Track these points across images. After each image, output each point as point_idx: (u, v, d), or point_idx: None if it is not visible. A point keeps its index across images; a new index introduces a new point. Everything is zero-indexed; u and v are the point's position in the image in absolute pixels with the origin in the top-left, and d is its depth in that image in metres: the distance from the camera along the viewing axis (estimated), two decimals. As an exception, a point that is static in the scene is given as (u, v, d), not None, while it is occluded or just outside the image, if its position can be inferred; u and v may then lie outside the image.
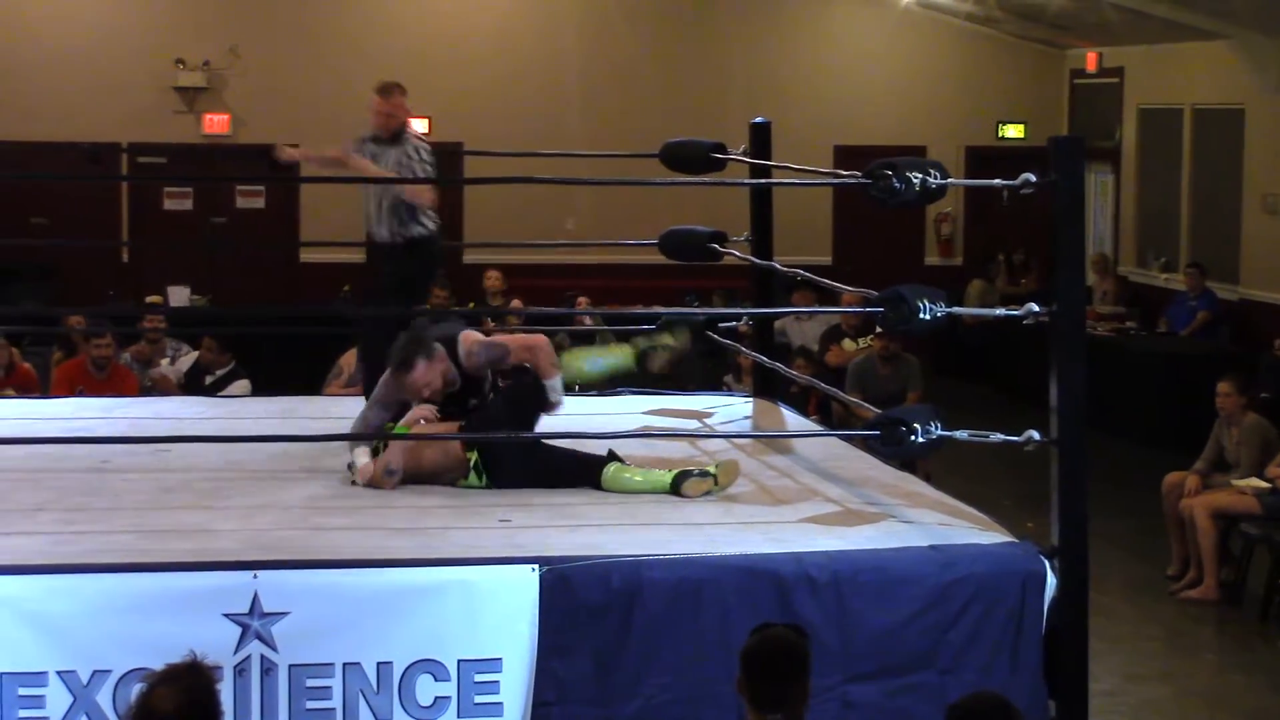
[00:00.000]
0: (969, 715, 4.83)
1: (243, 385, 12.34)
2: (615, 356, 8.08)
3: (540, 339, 7.75)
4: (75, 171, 17.85)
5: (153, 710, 4.59)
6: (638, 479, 7.39)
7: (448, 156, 20.46)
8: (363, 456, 7.37)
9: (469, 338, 7.63)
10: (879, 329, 13.00)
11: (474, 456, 7.36)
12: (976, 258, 21.56)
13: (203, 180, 20.36)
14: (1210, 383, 12.21)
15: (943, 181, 6.57)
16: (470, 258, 19.91)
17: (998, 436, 6.54)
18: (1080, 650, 6.39)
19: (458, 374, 7.57)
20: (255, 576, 5.89)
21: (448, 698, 5.97)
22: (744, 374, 12.56)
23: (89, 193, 20.00)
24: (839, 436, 8.87)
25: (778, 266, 8.79)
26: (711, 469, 7.44)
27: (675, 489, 7.34)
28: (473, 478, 7.38)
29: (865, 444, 7.72)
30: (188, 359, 12.85)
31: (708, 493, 7.31)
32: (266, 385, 8.65)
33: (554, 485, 7.39)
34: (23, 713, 5.75)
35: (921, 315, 6.48)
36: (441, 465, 7.41)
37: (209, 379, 12.49)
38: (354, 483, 7.38)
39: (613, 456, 7.51)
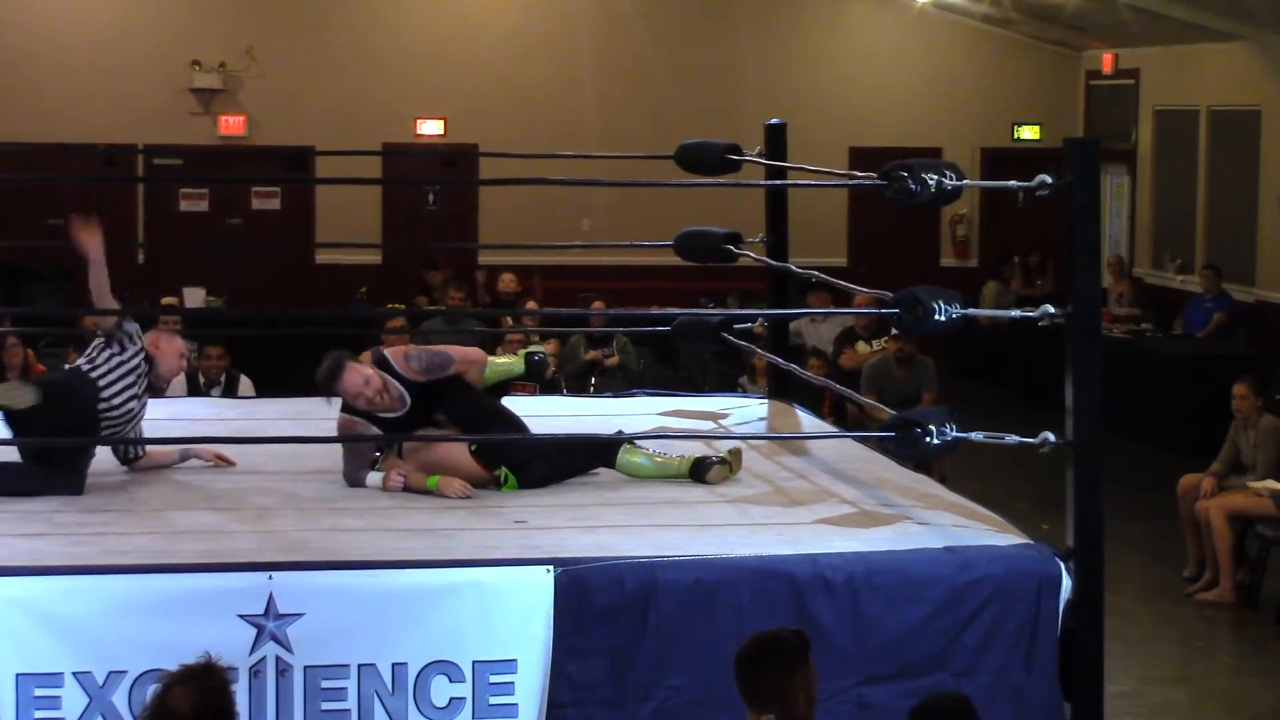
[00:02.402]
0: (930, 715, 4.85)
1: (247, 383, 12.15)
2: (507, 363, 8.05)
3: (481, 353, 7.76)
4: (91, 173, 17.87)
5: (169, 710, 4.60)
6: (648, 466, 7.50)
7: (463, 158, 20.57)
8: (374, 480, 7.36)
9: (397, 350, 7.62)
10: (894, 331, 12.99)
11: (503, 472, 7.36)
12: (992, 259, 21.55)
13: (218, 182, 20.41)
14: (1226, 385, 12.19)
15: (958, 183, 6.57)
16: (485, 259, 19.94)
17: (1013, 438, 6.53)
18: (1096, 652, 6.38)
19: (402, 388, 7.52)
20: (270, 578, 5.90)
21: (463, 699, 5.97)
22: (759, 375, 12.56)
23: (105, 194, 20.04)
24: (854, 438, 8.86)
25: (793, 268, 8.79)
26: (724, 455, 7.53)
27: (697, 476, 7.47)
28: (509, 484, 7.39)
29: (880, 445, 7.71)
30: (178, 380, 12.18)
31: (724, 478, 7.48)
32: (281, 387, 8.65)
33: (575, 473, 7.48)
34: (39, 713, 5.76)
35: (937, 317, 6.48)
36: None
37: (214, 392, 11.83)
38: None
39: (621, 436, 7.65)
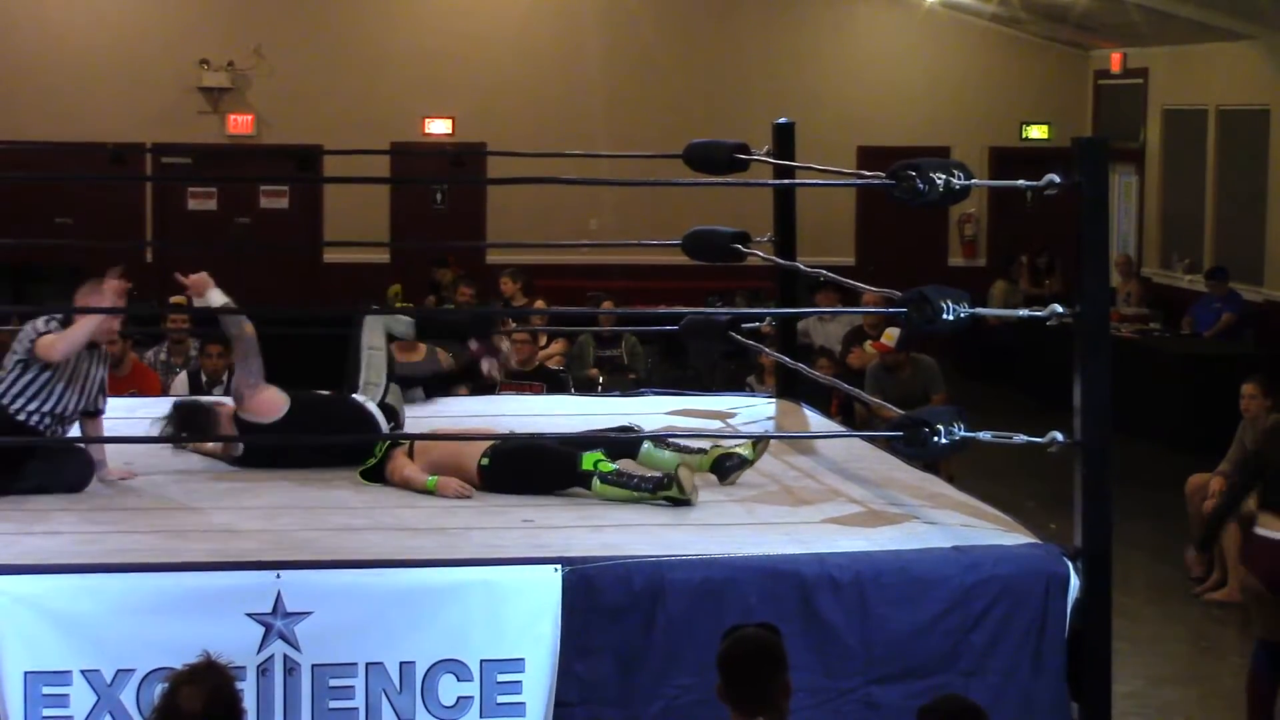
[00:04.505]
0: (939, 718, 4.85)
1: None
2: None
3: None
4: (99, 172, 17.90)
5: (179, 709, 4.60)
6: (670, 460, 7.43)
7: (471, 157, 20.58)
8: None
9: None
10: (869, 343, 13.09)
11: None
12: (1000, 259, 21.53)
13: (227, 181, 20.42)
14: (1235, 384, 12.17)
15: (966, 182, 6.56)
16: (493, 258, 19.93)
17: (1021, 438, 6.53)
18: (1103, 652, 6.38)
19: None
20: (278, 576, 5.90)
21: (470, 698, 5.98)
22: (766, 375, 12.55)
23: (113, 193, 20.06)
24: (862, 437, 8.86)
25: (801, 267, 8.78)
26: (745, 452, 7.52)
27: (716, 472, 7.47)
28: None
29: (888, 445, 7.71)
30: (180, 380, 12.19)
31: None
32: (286, 385, 8.68)
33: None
34: (47, 711, 5.77)
35: (945, 316, 6.48)
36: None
37: (216, 390, 11.61)
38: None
39: (635, 431, 7.67)
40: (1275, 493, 8.88)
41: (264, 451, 7.72)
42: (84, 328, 7.23)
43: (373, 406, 7.88)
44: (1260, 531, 8.90)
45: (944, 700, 4.99)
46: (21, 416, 7.21)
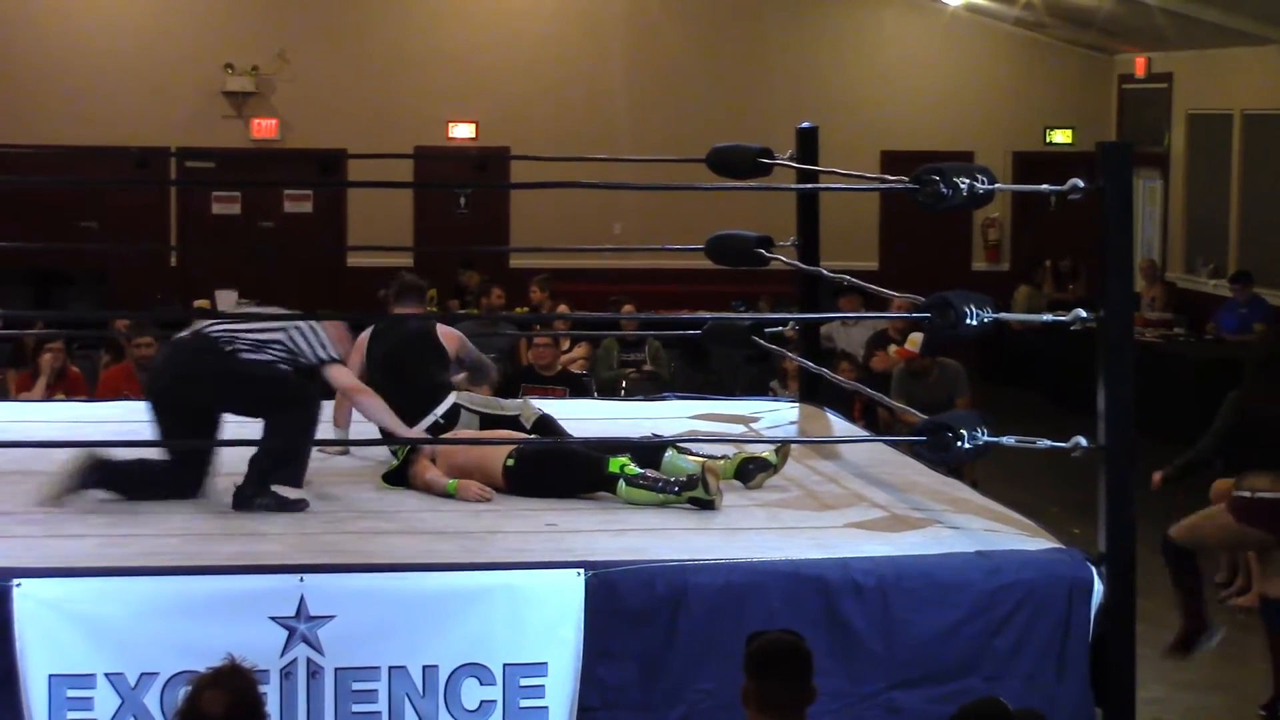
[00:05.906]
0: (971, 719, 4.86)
1: None
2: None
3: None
4: (124, 176, 17.94)
5: (202, 713, 4.62)
6: (693, 465, 7.41)
7: (494, 161, 20.59)
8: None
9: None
10: (894, 347, 13.06)
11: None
12: (1024, 263, 21.49)
13: (251, 185, 20.45)
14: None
15: (990, 187, 6.56)
16: (516, 262, 19.96)
17: (1045, 443, 6.52)
18: (1128, 657, 6.37)
19: None
20: (302, 580, 5.92)
21: (493, 702, 5.99)
22: (790, 379, 12.55)
23: (138, 197, 20.10)
24: (886, 442, 8.85)
25: (824, 272, 8.78)
26: (770, 457, 7.50)
27: (741, 477, 7.47)
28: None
29: (912, 449, 7.71)
30: None
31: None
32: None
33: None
34: (71, 714, 5.79)
35: (968, 321, 6.48)
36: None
37: None
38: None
39: (658, 439, 7.69)
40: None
41: None
42: (380, 415, 7.43)
43: (452, 398, 7.99)
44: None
45: (978, 704, 4.98)
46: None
